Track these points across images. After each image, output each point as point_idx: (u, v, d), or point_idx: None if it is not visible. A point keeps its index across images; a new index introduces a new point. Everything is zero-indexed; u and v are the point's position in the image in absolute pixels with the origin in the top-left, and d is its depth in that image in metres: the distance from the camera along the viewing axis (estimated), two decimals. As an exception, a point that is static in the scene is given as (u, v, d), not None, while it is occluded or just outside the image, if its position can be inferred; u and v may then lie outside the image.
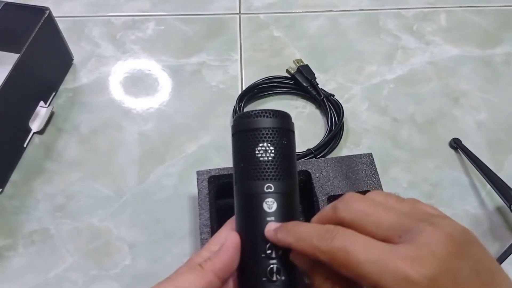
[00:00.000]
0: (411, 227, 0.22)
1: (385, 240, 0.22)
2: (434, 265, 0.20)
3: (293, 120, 0.31)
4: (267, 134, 0.29)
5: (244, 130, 0.29)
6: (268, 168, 0.28)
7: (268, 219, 0.28)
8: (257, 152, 0.28)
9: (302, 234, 0.25)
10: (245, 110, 0.57)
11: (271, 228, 0.27)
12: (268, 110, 0.29)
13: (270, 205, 0.28)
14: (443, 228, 0.21)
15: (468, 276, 0.21)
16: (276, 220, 0.28)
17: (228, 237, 0.28)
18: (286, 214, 0.28)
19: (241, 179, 0.29)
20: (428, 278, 0.20)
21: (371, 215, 0.23)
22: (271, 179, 0.28)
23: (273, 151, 0.29)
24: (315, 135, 0.56)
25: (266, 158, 0.28)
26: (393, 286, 0.20)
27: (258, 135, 0.29)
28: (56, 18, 0.57)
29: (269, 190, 0.28)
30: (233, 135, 0.31)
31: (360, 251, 0.21)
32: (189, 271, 0.26)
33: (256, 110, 0.29)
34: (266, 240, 0.27)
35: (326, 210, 0.26)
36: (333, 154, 0.54)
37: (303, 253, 0.24)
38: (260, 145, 0.29)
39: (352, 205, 0.24)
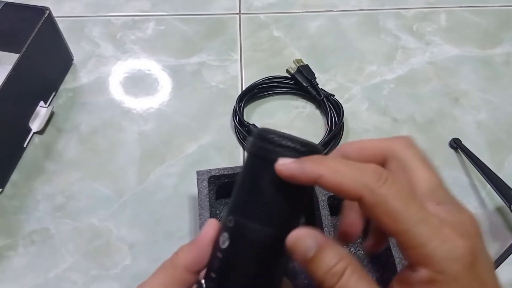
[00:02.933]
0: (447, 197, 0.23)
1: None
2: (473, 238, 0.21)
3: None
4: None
5: (250, 154, 0.24)
6: (240, 202, 0.23)
7: (218, 253, 0.23)
8: (243, 181, 0.24)
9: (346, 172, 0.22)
10: (245, 110, 0.57)
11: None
12: (279, 140, 0.23)
13: (224, 240, 0.23)
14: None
15: (487, 257, 0.22)
16: (216, 267, 0.23)
17: (204, 228, 0.25)
18: (233, 262, 0.23)
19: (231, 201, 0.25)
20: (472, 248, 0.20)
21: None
22: (236, 213, 0.23)
23: (260, 188, 0.22)
24: (315, 135, 0.56)
25: (251, 193, 0.23)
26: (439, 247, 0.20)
27: (254, 165, 0.23)
28: (56, 18, 0.57)
29: (229, 224, 0.23)
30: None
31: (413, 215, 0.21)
32: (160, 271, 0.25)
33: (266, 136, 0.23)
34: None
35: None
36: (333, 154, 0.54)
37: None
38: (250, 176, 0.23)
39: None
